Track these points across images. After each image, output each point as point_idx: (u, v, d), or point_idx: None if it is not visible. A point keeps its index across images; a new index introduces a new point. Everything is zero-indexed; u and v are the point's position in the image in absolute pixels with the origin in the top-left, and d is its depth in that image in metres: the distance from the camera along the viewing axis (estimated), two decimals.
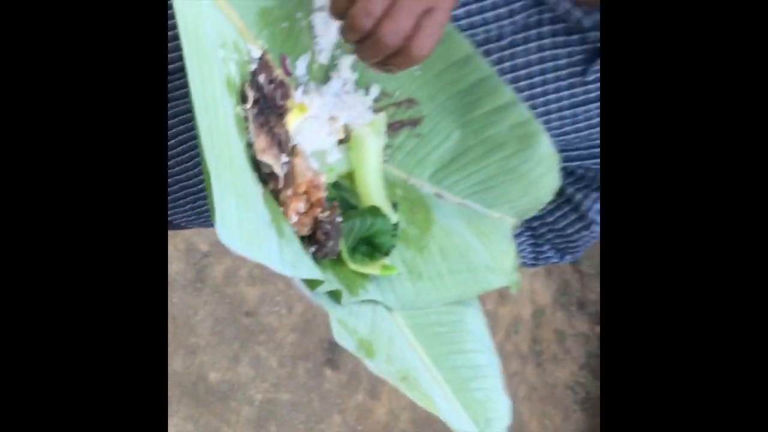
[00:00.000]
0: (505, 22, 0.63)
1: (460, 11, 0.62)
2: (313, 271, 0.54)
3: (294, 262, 0.52)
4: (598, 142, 0.74)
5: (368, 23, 0.48)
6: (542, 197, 0.73)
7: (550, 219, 0.82)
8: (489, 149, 0.68)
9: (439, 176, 0.69)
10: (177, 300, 1.88)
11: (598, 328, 3.47)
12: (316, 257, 0.58)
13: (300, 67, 0.59)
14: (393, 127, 0.65)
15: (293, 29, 0.58)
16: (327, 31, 0.59)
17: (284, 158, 0.55)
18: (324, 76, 0.61)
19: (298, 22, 0.58)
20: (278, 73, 0.57)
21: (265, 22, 0.56)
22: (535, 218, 0.82)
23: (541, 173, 0.70)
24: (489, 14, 0.62)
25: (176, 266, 1.91)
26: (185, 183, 0.78)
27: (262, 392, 1.94)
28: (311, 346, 2.05)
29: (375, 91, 0.63)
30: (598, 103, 0.70)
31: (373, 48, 0.49)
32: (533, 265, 0.88)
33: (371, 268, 0.62)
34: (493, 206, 0.72)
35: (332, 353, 2.09)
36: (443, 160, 0.69)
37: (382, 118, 0.63)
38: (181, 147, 0.75)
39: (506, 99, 0.64)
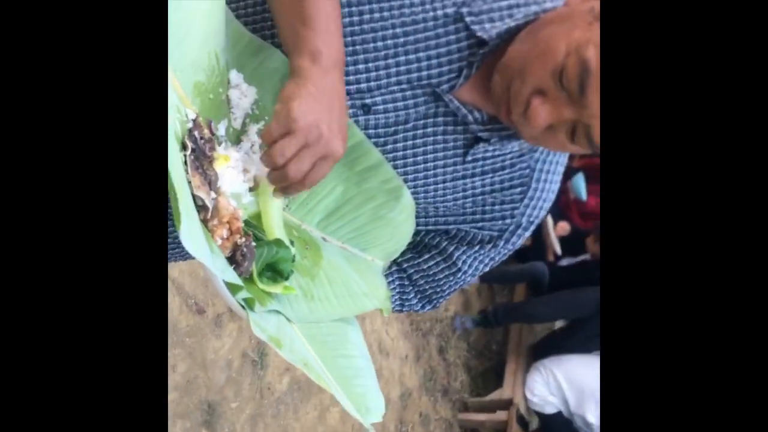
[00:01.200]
0: (411, 110, 0.82)
1: (379, 98, 0.81)
2: (236, 278, 0.69)
3: (222, 269, 0.66)
4: (471, 209, 0.91)
5: (281, 161, 0.69)
6: (404, 240, 0.92)
7: (424, 266, 0.98)
8: (364, 200, 0.86)
9: (325, 223, 0.86)
10: None
11: (459, 415, 3.64)
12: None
13: (221, 129, 0.75)
14: None
15: (216, 100, 0.74)
16: (240, 104, 0.76)
17: (212, 195, 0.70)
18: (237, 138, 0.77)
19: (220, 95, 0.74)
20: (206, 132, 0.72)
21: (197, 93, 0.71)
22: (410, 264, 0.98)
23: (403, 220, 0.88)
24: (400, 103, 0.82)
25: None
26: None
27: None
28: (191, 405, 2.09)
29: None
30: (473, 179, 0.88)
31: (281, 177, 0.70)
32: (399, 310, 1.02)
33: (275, 288, 0.76)
34: (366, 250, 0.90)
35: (210, 415, 2.14)
36: (328, 210, 0.85)
37: (265, 190, 0.78)
38: None
39: (376, 160, 0.83)
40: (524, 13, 0.79)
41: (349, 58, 0.79)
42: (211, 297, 2.21)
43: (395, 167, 0.85)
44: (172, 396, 2.05)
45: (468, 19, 0.78)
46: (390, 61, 0.80)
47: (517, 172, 0.89)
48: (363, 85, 0.81)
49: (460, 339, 3.93)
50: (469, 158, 0.86)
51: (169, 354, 2.07)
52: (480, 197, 0.90)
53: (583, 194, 4.12)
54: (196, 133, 0.70)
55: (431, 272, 0.98)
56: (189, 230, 0.60)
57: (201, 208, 0.68)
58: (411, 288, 1.00)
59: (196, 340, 2.14)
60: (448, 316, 3.85)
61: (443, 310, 3.83)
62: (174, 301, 2.09)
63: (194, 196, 0.68)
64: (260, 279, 0.74)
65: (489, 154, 0.87)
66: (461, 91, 0.82)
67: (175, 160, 0.62)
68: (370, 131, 0.83)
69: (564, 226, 4.04)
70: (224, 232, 0.70)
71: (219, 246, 0.69)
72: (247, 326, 2.38)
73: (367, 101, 0.81)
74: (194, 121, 0.70)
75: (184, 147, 0.68)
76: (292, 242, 0.79)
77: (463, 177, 0.88)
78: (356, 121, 0.81)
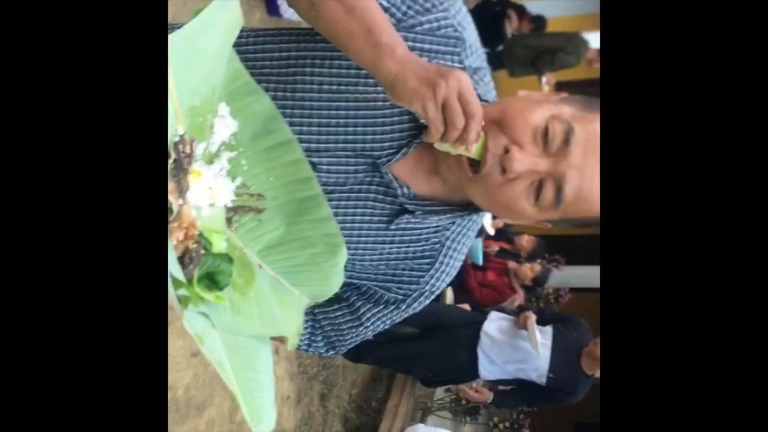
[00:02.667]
0: (351, 175, 0.93)
1: (324, 159, 0.91)
2: (181, 275, 0.76)
3: (172, 264, 0.73)
4: (384, 271, 1.01)
5: (439, 120, 0.78)
6: (331, 289, 0.99)
7: (332, 315, 1.07)
8: (305, 245, 0.93)
9: (264, 253, 0.93)
10: None
11: None
12: None
13: (199, 149, 0.82)
14: (243, 209, 0.89)
15: (202, 124, 0.82)
16: (220, 132, 0.84)
17: (180, 201, 0.77)
18: (210, 159, 0.85)
19: (206, 121, 0.82)
20: (188, 148, 0.79)
21: (189, 114, 0.79)
22: (321, 311, 1.07)
23: (334, 272, 0.96)
24: (342, 167, 0.92)
25: None
26: None
27: None
28: None
29: (238, 181, 0.87)
30: (392, 245, 0.98)
31: (452, 133, 0.79)
32: (306, 350, 1.11)
33: (208, 295, 0.82)
34: (296, 286, 0.97)
35: None
36: (271, 243, 0.93)
37: (221, 212, 0.86)
38: None
39: (325, 214, 0.91)
40: None
41: (304, 119, 0.89)
42: None
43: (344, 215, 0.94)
44: None
45: None
46: (340, 128, 0.90)
47: (429, 245, 1.00)
48: (313, 145, 0.91)
49: (343, 389, 4.00)
50: (393, 226, 0.96)
51: None
52: (394, 262, 1.00)
53: (479, 259, 4.33)
54: (180, 146, 0.77)
55: (337, 322, 1.07)
56: None
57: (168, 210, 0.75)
58: (320, 332, 1.09)
59: None
60: (335, 364, 3.91)
61: (331, 358, 3.89)
62: None
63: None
64: (198, 283, 0.80)
65: (410, 226, 0.97)
66: (395, 166, 0.93)
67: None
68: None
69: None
70: (180, 235, 0.77)
71: (174, 246, 0.76)
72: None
73: (314, 160, 0.91)
74: (181, 136, 0.77)
75: (169, 155, 0.75)
76: (232, 260, 0.85)
77: (383, 242, 0.98)
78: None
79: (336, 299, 1.05)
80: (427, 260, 1.01)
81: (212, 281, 0.83)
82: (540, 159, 0.83)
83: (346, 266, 0.97)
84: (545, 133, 0.83)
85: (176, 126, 0.77)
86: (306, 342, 1.10)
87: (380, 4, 0.90)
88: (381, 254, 1.00)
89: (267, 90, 0.89)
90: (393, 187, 0.93)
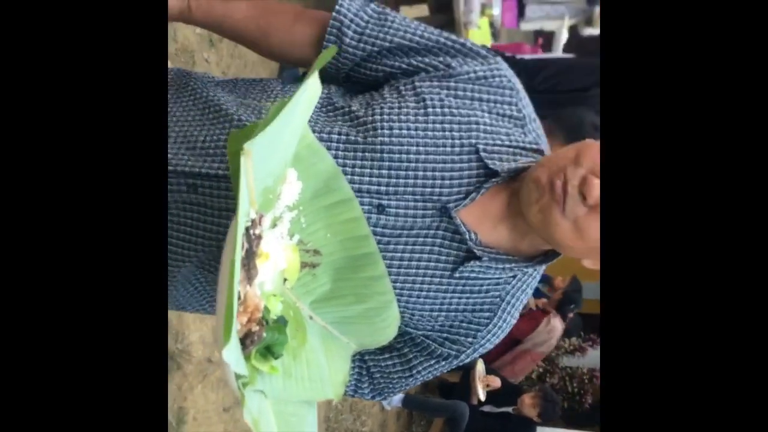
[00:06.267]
0: (419, 219, 0.93)
1: (393, 202, 0.92)
2: (243, 370, 0.74)
3: (237, 362, 0.72)
4: (441, 322, 1.00)
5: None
6: (381, 341, 1.00)
7: (383, 364, 1.06)
8: (357, 300, 0.94)
9: (316, 305, 0.93)
10: None
11: None
12: None
13: (266, 222, 0.82)
14: (300, 266, 0.89)
15: (273, 198, 0.82)
16: (286, 197, 0.85)
17: (248, 288, 0.77)
18: (273, 224, 0.85)
19: (276, 192, 0.82)
20: (258, 228, 0.79)
21: (262, 194, 0.78)
22: (371, 358, 1.06)
23: (386, 326, 0.97)
24: (410, 211, 0.93)
25: None
26: None
27: None
28: None
29: (296, 238, 0.88)
30: (453, 295, 0.97)
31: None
32: (351, 395, 1.09)
33: (263, 366, 0.81)
34: (345, 335, 0.97)
35: None
36: (323, 296, 0.93)
37: (279, 275, 0.85)
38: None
39: (379, 272, 0.92)
40: (525, 157, 0.94)
41: (375, 163, 0.91)
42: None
43: (390, 266, 0.93)
44: None
45: (483, 154, 0.92)
46: (410, 173, 0.91)
47: (489, 298, 0.98)
48: (383, 188, 0.91)
49: None
50: (457, 274, 0.95)
51: None
52: (453, 313, 0.99)
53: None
54: (251, 231, 0.76)
55: (388, 371, 1.06)
56: (234, 347, 0.66)
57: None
58: (366, 378, 1.08)
59: None
60: (363, 431, 3.86)
61: (359, 425, 3.84)
62: None
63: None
64: (254, 355, 0.80)
65: (473, 275, 0.96)
66: (462, 211, 0.93)
67: (237, 274, 0.68)
68: (379, 229, 0.92)
69: (493, 381, 4.14)
70: (244, 319, 0.77)
71: (237, 330, 0.75)
72: (174, 390, 2.39)
73: (383, 202, 0.91)
74: (253, 221, 0.76)
75: (241, 247, 0.74)
76: (287, 321, 0.85)
77: (445, 290, 0.97)
78: (369, 218, 0.91)
79: (388, 348, 1.04)
80: (487, 314, 0.99)
81: (268, 351, 0.83)
82: None
83: (403, 316, 0.97)
84: None
85: (249, 211, 0.76)
86: (352, 387, 1.09)
87: (417, 66, 0.95)
88: (442, 304, 0.98)
89: (339, 133, 0.92)
90: (461, 232, 0.93)
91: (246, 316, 0.77)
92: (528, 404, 4.02)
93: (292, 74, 2.90)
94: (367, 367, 1.08)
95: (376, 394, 1.10)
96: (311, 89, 0.75)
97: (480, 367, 4.11)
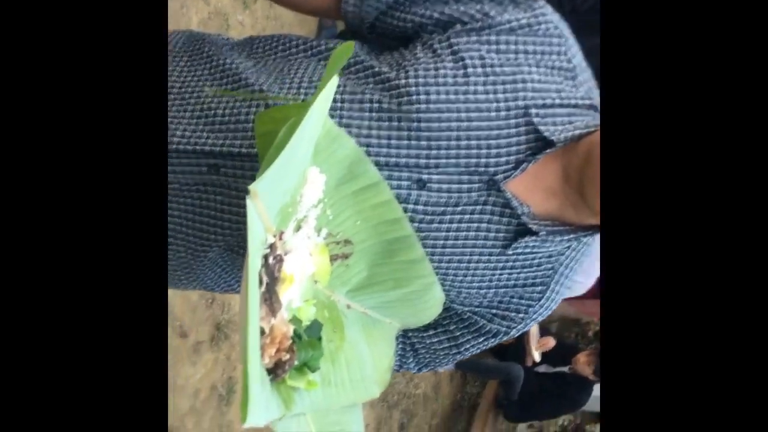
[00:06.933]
0: (464, 194, 0.84)
1: (435, 176, 0.83)
2: (278, 409, 0.72)
3: (268, 405, 0.69)
4: (490, 299, 0.93)
5: None
6: (424, 321, 0.95)
7: (428, 341, 1.00)
8: (396, 285, 0.88)
9: (353, 294, 0.88)
10: None
11: None
12: (270, 381, 0.74)
13: (288, 232, 0.77)
14: (331, 258, 0.84)
15: (294, 208, 0.76)
16: (308, 198, 0.78)
17: (273, 321, 0.72)
18: (298, 227, 0.79)
19: (296, 200, 0.76)
20: (279, 250, 0.74)
21: (279, 212, 0.73)
22: (416, 335, 1.01)
23: (429, 307, 0.91)
24: (454, 185, 0.84)
25: None
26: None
27: None
28: None
29: (324, 233, 0.82)
30: (503, 271, 0.90)
31: None
32: (396, 370, 1.03)
33: (300, 383, 0.77)
34: (387, 317, 0.93)
35: None
36: (360, 284, 0.88)
37: (309, 280, 0.82)
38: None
39: (417, 255, 0.85)
40: (582, 122, 0.83)
41: (412, 134, 0.82)
42: (196, 324, 2.23)
43: (434, 246, 0.87)
44: None
45: (536, 119, 0.82)
46: (452, 143, 0.82)
47: (542, 272, 0.92)
48: (422, 161, 0.83)
49: (423, 419, 3.92)
50: (510, 251, 0.88)
51: None
52: (503, 289, 0.92)
53: None
54: (270, 259, 0.72)
55: (434, 348, 1.01)
56: (255, 415, 0.62)
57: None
58: (411, 354, 1.03)
59: (170, 363, 2.16)
60: (416, 393, 3.84)
61: (413, 387, 3.83)
62: None
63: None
64: (289, 374, 0.76)
65: (528, 250, 0.88)
66: (511, 183, 0.84)
67: (255, 330, 0.64)
68: (420, 207, 0.84)
69: (547, 343, 4.06)
70: (272, 351, 0.73)
71: (265, 363, 0.72)
72: (223, 360, 2.38)
73: (424, 177, 0.83)
74: (272, 245, 0.72)
75: (259, 283, 0.70)
76: (322, 325, 0.82)
77: (495, 268, 0.90)
78: (408, 195, 0.84)
79: (432, 325, 0.98)
80: (539, 288, 0.92)
81: (304, 365, 0.79)
82: None
83: (449, 294, 0.91)
84: None
85: (266, 240, 0.72)
86: (397, 363, 1.03)
87: (450, 16, 0.85)
88: (490, 281, 0.91)
89: (371, 101, 0.84)
90: (513, 206, 0.84)
91: (274, 347, 0.73)
92: (583, 363, 3.92)
93: (330, 33, 2.80)
94: (411, 344, 1.02)
95: (422, 367, 1.05)
96: (323, 101, 0.69)
97: (534, 329, 4.03)
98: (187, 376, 2.21)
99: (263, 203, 0.65)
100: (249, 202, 0.61)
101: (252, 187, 0.61)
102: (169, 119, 0.90)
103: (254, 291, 0.64)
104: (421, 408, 3.90)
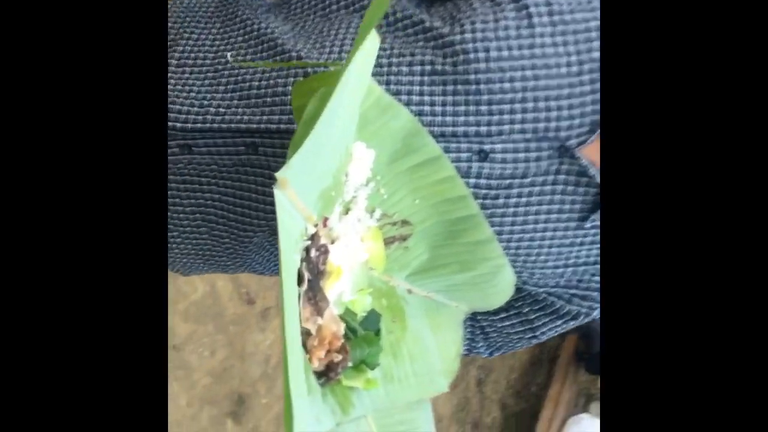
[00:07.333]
0: (533, 163, 0.74)
1: (499, 145, 0.73)
2: (332, 418, 0.65)
3: (319, 416, 0.63)
4: (568, 279, 0.84)
5: None
6: (494, 305, 0.86)
7: (500, 324, 0.92)
8: (461, 269, 0.80)
9: (414, 277, 0.81)
10: None
11: None
12: (322, 385, 0.68)
13: (334, 217, 0.69)
14: (387, 241, 0.77)
15: (337, 192, 0.68)
16: (356, 177, 0.70)
17: (319, 320, 0.65)
18: (346, 209, 0.72)
19: (341, 181, 0.68)
20: (322, 240, 0.67)
21: (320, 198, 0.65)
22: (485, 319, 0.93)
23: (498, 291, 0.82)
24: (521, 154, 0.74)
25: None
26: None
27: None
28: (221, 394, 2.09)
29: (377, 214, 0.74)
30: (581, 248, 0.80)
31: None
32: (466, 354, 0.97)
33: (357, 382, 0.70)
34: (453, 301, 0.84)
35: (238, 406, 2.13)
36: (421, 267, 0.80)
37: (361, 268, 0.74)
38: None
39: (485, 236, 0.76)
40: None
41: (471, 98, 0.72)
42: (263, 290, 2.20)
43: (501, 224, 0.79)
44: (204, 381, 2.06)
45: None
46: (516, 105, 0.72)
47: None
48: (483, 129, 0.73)
49: (501, 374, 3.85)
50: (587, 224, 0.79)
51: (211, 339, 2.07)
52: (582, 267, 0.83)
53: None
54: (313, 251, 0.65)
55: (506, 331, 0.93)
56: (305, 422, 0.57)
57: (305, 334, 0.65)
58: (482, 337, 0.96)
59: (239, 330, 2.14)
60: None
61: None
62: (226, 287, 2.09)
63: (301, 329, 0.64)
64: (345, 373, 0.70)
65: None
66: (586, 149, 0.74)
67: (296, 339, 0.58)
68: (482, 181, 0.76)
69: None
70: (322, 353, 0.66)
71: (315, 366, 0.66)
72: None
73: (486, 147, 0.74)
74: (313, 236, 0.65)
75: (300, 281, 0.63)
76: (380, 315, 0.75)
77: (571, 245, 0.81)
78: (469, 168, 0.75)
79: (504, 308, 0.90)
80: None
81: (362, 363, 0.73)
82: None
83: (521, 276, 0.84)
84: None
85: (306, 231, 0.64)
86: (466, 347, 0.97)
87: None
88: (567, 259, 0.82)
89: (421, 63, 0.73)
90: (590, 173, 0.74)
91: (323, 349, 0.66)
92: None
93: None
94: (481, 327, 0.95)
95: (494, 351, 0.98)
96: (361, 64, 0.60)
97: None
98: (257, 343, 2.19)
99: (297, 190, 0.59)
100: (278, 192, 0.55)
101: (280, 174, 0.54)
102: (202, 94, 0.83)
103: (292, 299, 0.57)
104: (499, 362, 3.84)
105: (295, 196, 0.59)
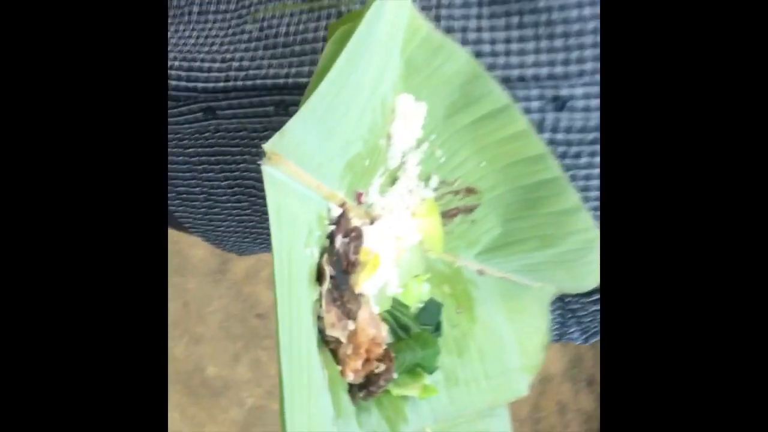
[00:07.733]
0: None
1: (579, 90, 0.61)
2: None
3: None
4: None
5: None
6: (586, 287, 0.74)
7: (592, 308, 0.80)
8: (544, 244, 0.69)
9: (486, 255, 0.69)
10: (193, 287, 1.87)
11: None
12: (363, 399, 0.57)
13: (373, 189, 0.59)
14: (448, 215, 0.66)
15: (374, 159, 0.57)
16: (402, 138, 0.59)
17: (351, 326, 0.54)
18: (392, 179, 0.61)
19: (378, 146, 0.57)
20: (353, 220, 0.56)
21: (349, 169, 0.55)
22: (574, 300, 0.81)
23: (591, 271, 0.70)
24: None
25: (200, 253, 1.91)
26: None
27: (254, 397, 1.93)
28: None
29: (434, 181, 0.63)
30: None
31: None
32: (556, 340, 0.87)
33: (412, 390, 0.60)
34: (536, 280, 0.73)
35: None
36: (494, 243, 0.69)
37: (415, 251, 0.64)
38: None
39: (572, 204, 0.64)
40: None
41: (541, 30, 0.60)
42: None
43: (587, 188, 0.69)
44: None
45: None
46: (595, 38, 0.60)
47: None
48: (558, 69, 0.61)
49: None
50: None
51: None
52: None
53: None
54: (338, 240, 0.54)
55: (599, 315, 0.82)
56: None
57: (334, 341, 0.54)
58: (573, 321, 0.85)
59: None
60: None
61: None
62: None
63: (325, 334, 0.54)
64: (395, 381, 0.60)
65: None
66: None
67: (296, 341, 0.47)
68: (559, 136, 0.65)
69: None
70: (358, 364, 0.55)
71: (351, 379, 0.56)
72: None
73: (563, 93, 0.62)
74: (339, 219, 0.55)
75: (320, 278, 0.53)
76: (441, 305, 0.65)
77: None
78: (542, 119, 0.64)
79: (596, 290, 0.78)
80: None
81: (417, 367, 0.62)
82: None
83: None
84: None
85: (329, 213, 0.54)
86: (556, 332, 0.86)
87: None
88: None
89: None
90: None
91: (359, 359, 0.56)
92: None
93: None
94: (572, 309, 0.84)
95: (590, 337, 0.87)
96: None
97: None
98: None
99: (303, 163, 0.49)
100: (267, 169, 0.45)
101: (268, 146, 0.44)
102: (225, 46, 0.74)
103: (293, 311, 0.46)
104: None
105: (301, 171, 0.48)
